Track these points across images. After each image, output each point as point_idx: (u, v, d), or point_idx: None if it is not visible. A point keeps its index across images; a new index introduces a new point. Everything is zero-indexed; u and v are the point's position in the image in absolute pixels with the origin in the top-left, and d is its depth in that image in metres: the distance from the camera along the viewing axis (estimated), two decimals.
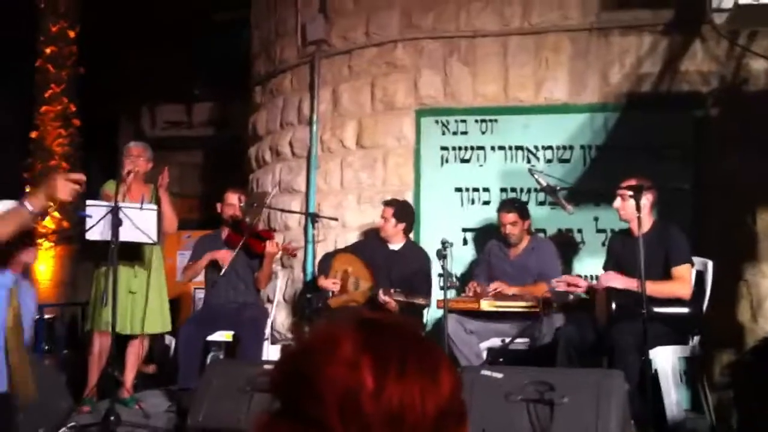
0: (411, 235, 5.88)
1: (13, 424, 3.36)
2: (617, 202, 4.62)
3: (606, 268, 4.82)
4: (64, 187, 2.98)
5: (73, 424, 5.09)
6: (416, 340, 1.02)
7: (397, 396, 0.93)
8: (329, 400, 0.93)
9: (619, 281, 4.42)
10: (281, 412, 0.98)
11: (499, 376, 3.84)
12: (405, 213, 5.66)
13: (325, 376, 0.95)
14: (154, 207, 5.39)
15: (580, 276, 5.34)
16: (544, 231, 5.81)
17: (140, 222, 5.14)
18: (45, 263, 10.12)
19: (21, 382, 3.20)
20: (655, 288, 4.22)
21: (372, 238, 5.92)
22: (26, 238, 3.34)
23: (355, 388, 0.93)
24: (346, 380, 0.94)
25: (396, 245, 5.63)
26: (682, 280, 4.45)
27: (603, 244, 5.53)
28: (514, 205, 5.45)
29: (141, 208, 5.22)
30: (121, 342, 5.50)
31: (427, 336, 1.11)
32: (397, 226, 5.59)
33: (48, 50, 10.55)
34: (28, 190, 10.38)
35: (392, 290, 5.17)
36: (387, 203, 5.65)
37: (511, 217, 5.32)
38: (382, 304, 5.17)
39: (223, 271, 5.73)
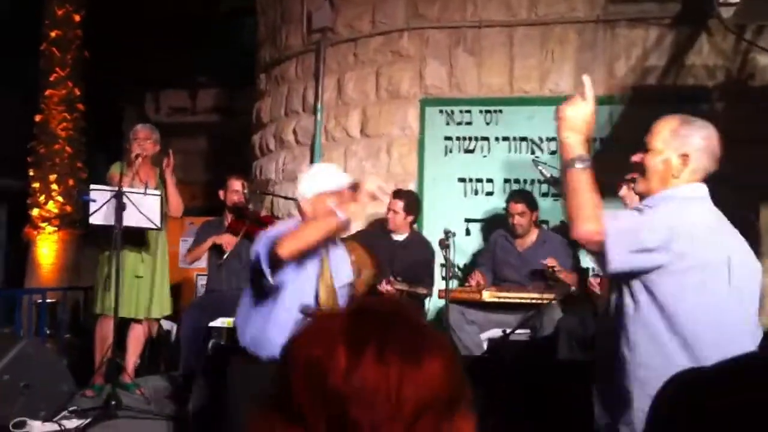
0: (415, 225, 5.89)
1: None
2: (623, 191, 4.63)
3: None
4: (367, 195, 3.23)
5: (74, 407, 5.12)
6: (405, 325, 1.00)
7: (372, 377, 0.92)
8: (300, 379, 0.94)
9: None
10: (271, 398, 0.98)
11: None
12: (414, 205, 5.67)
13: (300, 357, 0.95)
14: (158, 192, 5.40)
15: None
16: (547, 222, 5.82)
17: (144, 207, 5.15)
18: (48, 247, 10.14)
19: None
20: None
21: (377, 228, 5.93)
22: None
23: (326, 368, 0.93)
24: (319, 361, 0.94)
25: (401, 236, 5.63)
26: None
27: None
28: (523, 195, 5.47)
29: (145, 194, 5.24)
30: (125, 326, 5.53)
31: (428, 323, 1.07)
32: (406, 218, 5.61)
33: (53, 34, 10.53)
34: (32, 173, 10.40)
35: (394, 279, 5.19)
36: (396, 195, 5.61)
37: (520, 207, 5.32)
38: (383, 293, 5.18)
39: (226, 255, 5.73)
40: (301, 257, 3.26)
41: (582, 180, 2.44)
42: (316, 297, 3.33)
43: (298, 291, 3.29)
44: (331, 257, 3.44)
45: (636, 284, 2.37)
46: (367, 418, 0.91)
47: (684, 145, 2.49)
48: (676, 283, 2.32)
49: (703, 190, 2.52)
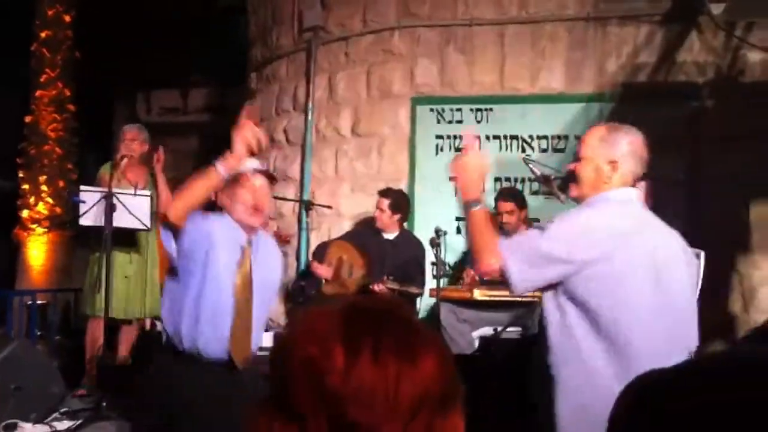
0: (405, 224, 5.88)
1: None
2: None
3: None
4: (241, 142, 3.05)
5: (65, 409, 5.10)
6: (399, 323, 1.00)
7: (369, 376, 0.92)
8: (299, 380, 0.93)
9: None
10: (267, 398, 0.98)
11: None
12: (400, 203, 5.65)
13: (297, 357, 0.95)
14: (148, 193, 5.38)
15: None
16: (537, 220, 5.81)
17: (134, 208, 5.13)
18: (38, 249, 10.10)
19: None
20: None
21: (367, 227, 5.92)
22: None
23: (324, 368, 0.93)
24: (317, 361, 0.93)
25: (390, 234, 5.62)
26: None
27: None
28: (512, 194, 5.46)
29: (135, 194, 5.22)
30: (116, 327, 5.51)
31: (420, 321, 1.07)
32: (392, 216, 5.59)
33: (43, 34, 10.48)
34: (21, 175, 10.36)
35: (386, 278, 5.18)
36: (382, 194, 5.62)
37: (509, 206, 5.32)
38: (375, 293, 5.18)
39: None
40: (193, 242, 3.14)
41: (480, 219, 2.58)
42: (234, 288, 3.21)
43: (213, 280, 3.16)
44: (255, 248, 3.29)
45: (558, 293, 2.46)
46: (365, 418, 0.92)
47: (612, 153, 2.58)
48: (596, 286, 2.40)
49: (632, 193, 2.62)
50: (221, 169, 3.01)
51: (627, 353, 2.35)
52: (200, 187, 3.03)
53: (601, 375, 2.36)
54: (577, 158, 2.66)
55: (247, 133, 3.05)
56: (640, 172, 2.63)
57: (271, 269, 3.36)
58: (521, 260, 2.43)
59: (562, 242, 2.42)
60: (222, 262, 3.17)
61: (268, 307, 3.43)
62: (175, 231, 3.09)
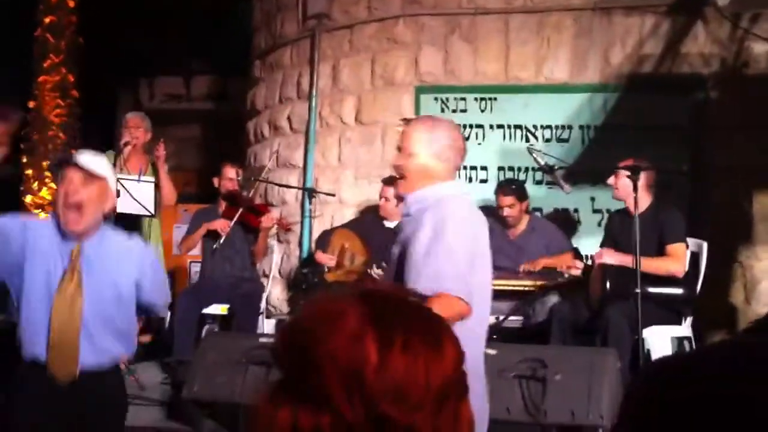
0: None
1: None
2: (611, 179, 4.64)
3: (603, 246, 4.83)
4: None
5: None
6: (419, 313, 1.01)
7: (402, 369, 0.92)
8: (332, 374, 0.92)
9: (613, 257, 4.47)
10: (283, 383, 0.97)
11: (493, 352, 3.85)
12: None
13: (328, 349, 0.94)
14: (152, 179, 5.39)
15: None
16: (540, 210, 5.82)
17: (138, 194, 5.14)
18: None
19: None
20: (648, 264, 4.25)
21: (370, 215, 5.92)
22: None
23: (359, 362, 0.92)
24: (350, 353, 0.93)
25: (393, 223, 5.62)
26: (676, 257, 4.49)
27: (599, 224, 5.54)
28: (511, 186, 5.44)
29: (138, 180, 5.22)
30: None
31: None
32: (398, 205, 5.59)
33: (47, 20, 10.46)
34: (24, 160, 10.38)
35: (386, 265, 5.18)
36: (387, 182, 5.60)
37: (509, 199, 5.31)
38: (375, 278, 5.18)
39: (222, 239, 5.70)
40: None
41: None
42: (53, 300, 2.94)
43: (35, 293, 2.95)
44: (89, 253, 2.99)
45: None
46: (398, 410, 0.92)
47: (435, 146, 2.71)
48: None
49: (459, 186, 2.87)
50: None
51: None
52: None
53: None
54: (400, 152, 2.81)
55: None
56: (460, 163, 2.85)
57: (122, 274, 3.04)
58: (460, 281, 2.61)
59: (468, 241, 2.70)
60: (39, 274, 2.96)
61: (129, 312, 3.12)
62: None
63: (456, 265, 2.52)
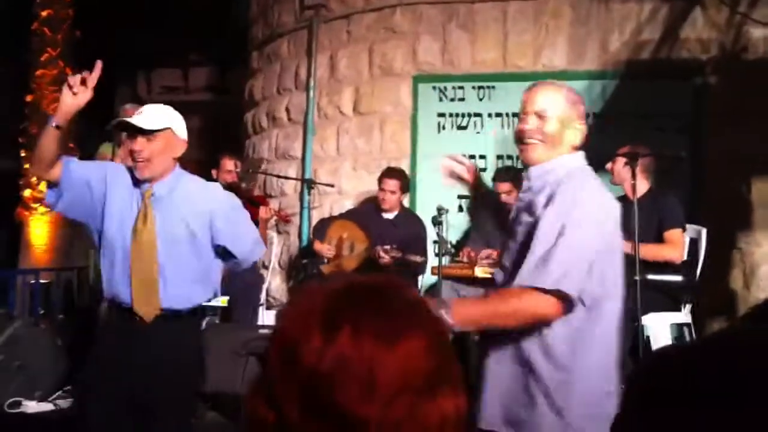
0: (407, 202, 5.88)
1: None
2: (617, 165, 4.64)
3: None
4: (65, 97, 3.02)
5: (69, 387, 5.13)
6: (387, 303, 0.98)
7: (345, 357, 0.91)
8: (276, 362, 0.93)
9: None
10: (254, 382, 0.98)
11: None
12: (407, 182, 5.67)
13: (276, 340, 0.95)
14: None
15: None
16: None
17: None
18: (41, 228, 10.12)
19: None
20: (646, 250, 4.24)
21: (367, 205, 5.92)
22: None
23: (300, 347, 0.92)
24: (295, 341, 0.93)
25: (391, 214, 5.62)
26: (674, 243, 4.48)
27: None
28: (509, 173, 5.44)
29: None
30: None
31: (417, 299, 1.06)
32: (401, 197, 5.61)
33: (44, 13, 10.45)
34: (23, 154, 10.38)
35: (389, 247, 5.18)
36: (389, 175, 5.57)
37: (506, 186, 5.30)
38: (378, 259, 5.18)
39: None
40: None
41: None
42: (132, 235, 3.04)
43: (112, 225, 3.06)
44: (161, 195, 3.06)
45: None
46: (340, 398, 0.90)
47: (570, 112, 2.42)
48: None
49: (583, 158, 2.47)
50: (52, 120, 2.98)
51: None
52: (42, 140, 3.00)
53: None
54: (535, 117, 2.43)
55: (71, 81, 3.00)
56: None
57: (193, 214, 3.08)
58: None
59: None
60: (117, 218, 3.07)
61: (206, 254, 3.15)
62: (57, 185, 3.04)
63: (571, 261, 2.20)
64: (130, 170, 3.11)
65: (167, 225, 3.06)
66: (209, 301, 3.31)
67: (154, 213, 3.06)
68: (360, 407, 0.90)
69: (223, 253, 3.20)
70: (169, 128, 3.07)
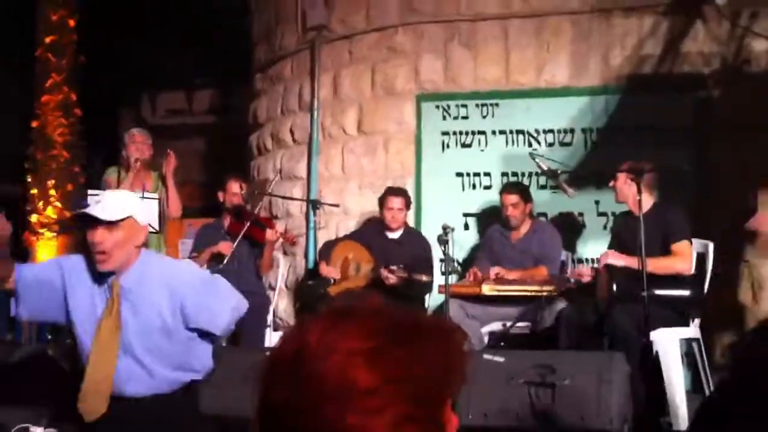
0: (412, 221, 5.88)
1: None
2: (620, 181, 4.66)
3: (610, 249, 4.81)
4: None
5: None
6: (392, 322, 1.01)
7: (320, 371, 0.95)
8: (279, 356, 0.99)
9: (618, 259, 4.46)
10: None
11: (501, 359, 3.84)
12: (410, 200, 5.68)
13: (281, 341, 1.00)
14: (156, 195, 5.39)
15: (582, 261, 5.40)
16: (545, 215, 5.81)
17: (142, 211, 5.13)
18: (48, 253, 10.14)
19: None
20: (655, 264, 4.24)
21: (371, 225, 5.92)
22: None
23: (301, 343, 0.97)
24: (295, 338, 0.98)
25: (396, 233, 5.61)
26: (682, 255, 4.47)
27: (604, 228, 5.53)
28: (517, 187, 5.46)
29: (143, 197, 5.22)
30: None
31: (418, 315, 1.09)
32: (407, 215, 5.62)
33: (48, 39, 10.53)
34: (29, 179, 10.43)
35: (395, 267, 5.16)
36: (394, 193, 5.56)
37: (513, 198, 5.31)
38: (384, 279, 5.18)
39: (225, 261, 5.70)
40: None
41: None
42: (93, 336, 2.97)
43: (81, 324, 3.01)
44: (129, 286, 2.98)
45: None
46: (359, 422, 0.93)
47: None
48: None
49: None
50: None
51: None
52: None
53: None
54: None
55: None
56: None
57: (163, 305, 2.99)
58: None
59: None
60: (84, 310, 3.01)
61: (184, 343, 3.07)
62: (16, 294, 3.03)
63: None
64: (89, 260, 3.00)
65: (140, 317, 2.98)
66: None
67: (123, 307, 2.97)
68: (348, 417, 0.94)
69: (196, 332, 3.10)
70: (130, 217, 2.95)
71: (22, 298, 3.03)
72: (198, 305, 3.04)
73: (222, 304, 3.15)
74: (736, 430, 0.79)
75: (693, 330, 4.60)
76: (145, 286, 2.99)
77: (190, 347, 3.10)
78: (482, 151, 6.06)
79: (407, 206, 5.61)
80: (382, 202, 5.59)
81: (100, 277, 2.99)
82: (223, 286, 3.20)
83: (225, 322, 3.15)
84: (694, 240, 4.64)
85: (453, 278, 5.04)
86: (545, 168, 4.76)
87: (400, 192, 5.60)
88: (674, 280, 4.46)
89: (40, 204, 10.30)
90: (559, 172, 4.78)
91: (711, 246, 4.78)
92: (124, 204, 2.98)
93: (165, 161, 5.52)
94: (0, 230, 3.27)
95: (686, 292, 4.47)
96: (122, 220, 2.92)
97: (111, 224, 2.89)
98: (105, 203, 2.94)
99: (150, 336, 2.99)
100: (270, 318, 5.93)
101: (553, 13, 5.94)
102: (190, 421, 3.20)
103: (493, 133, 6.05)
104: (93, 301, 3.01)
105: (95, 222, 2.89)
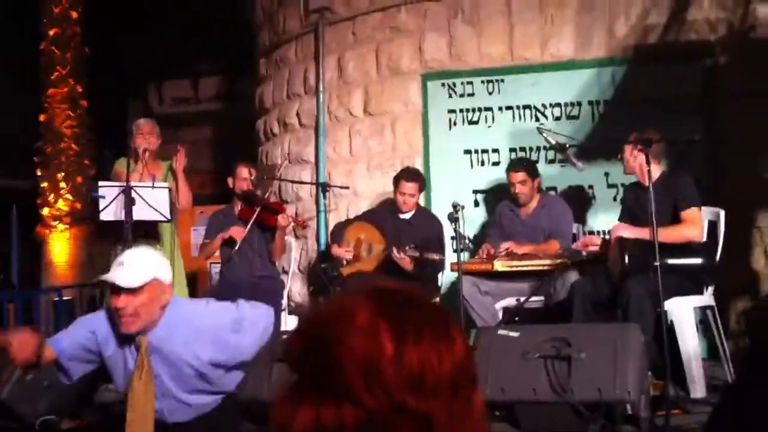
0: (423, 200, 5.88)
1: None
2: (626, 152, 4.66)
3: (621, 220, 4.81)
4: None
5: (98, 403, 5.17)
6: (427, 305, 1.06)
7: (416, 359, 0.98)
8: (351, 368, 0.97)
9: (629, 231, 4.46)
10: (301, 383, 1.01)
11: (516, 334, 3.86)
12: (424, 183, 5.68)
13: (344, 345, 0.98)
14: (166, 185, 5.41)
15: (593, 233, 5.39)
16: (555, 189, 5.80)
17: (153, 200, 5.16)
18: (61, 245, 10.21)
19: None
20: (665, 233, 4.23)
21: (382, 208, 5.92)
22: None
23: (375, 355, 0.97)
24: (367, 348, 0.98)
25: (407, 215, 5.62)
26: (692, 222, 4.46)
27: (614, 199, 5.52)
28: (522, 163, 5.44)
29: (153, 187, 5.24)
30: None
31: (437, 302, 1.15)
32: (419, 198, 5.62)
33: (51, 32, 10.54)
34: (39, 173, 10.47)
35: (407, 247, 5.17)
36: (408, 178, 5.52)
37: (520, 176, 5.30)
38: (398, 261, 5.19)
39: (238, 245, 5.73)
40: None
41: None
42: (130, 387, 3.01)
43: (118, 378, 3.10)
44: (157, 343, 2.98)
45: None
46: (415, 397, 0.97)
47: None
48: None
49: None
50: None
51: None
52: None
53: None
54: None
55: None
56: None
57: (194, 357, 3.00)
58: None
59: None
60: (119, 367, 3.06)
61: (218, 379, 3.12)
62: (59, 366, 3.07)
63: None
64: (114, 321, 3.00)
65: (172, 368, 3.01)
66: None
67: (154, 360, 2.98)
68: (434, 403, 0.98)
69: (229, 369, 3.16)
70: (155, 278, 2.92)
71: (67, 369, 3.07)
72: (227, 349, 3.06)
73: (250, 338, 3.14)
74: (757, 420, 0.81)
75: (707, 298, 4.60)
76: (173, 338, 2.99)
77: (226, 376, 3.16)
78: (489, 127, 6.05)
79: (420, 190, 5.59)
80: (396, 183, 5.58)
81: (126, 337, 3.00)
82: (249, 317, 3.15)
83: (255, 350, 3.16)
84: (705, 208, 4.63)
85: (465, 255, 5.05)
86: (553, 142, 4.74)
87: (414, 177, 5.55)
88: (687, 248, 4.45)
89: (51, 197, 10.35)
90: (567, 145, 4.77)
91: (722, 213, 4.77)
92: (147, 266, 2.93)
93: (175, 157, 5.53)
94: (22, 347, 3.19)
95: (699, 260, 4.47)
96: (146, 284, 2.89)
97: (134, 290, 2.87)
98: (126, 266, 2.90)
99: (185, 381, 3.04)
100: (284, 302, 5.96)
101: None
102: (232, 422, 3.31)
103: (500, 109, 6.04)
104: (125, 357, 3.04)
105: (119, 290, 2.86)
